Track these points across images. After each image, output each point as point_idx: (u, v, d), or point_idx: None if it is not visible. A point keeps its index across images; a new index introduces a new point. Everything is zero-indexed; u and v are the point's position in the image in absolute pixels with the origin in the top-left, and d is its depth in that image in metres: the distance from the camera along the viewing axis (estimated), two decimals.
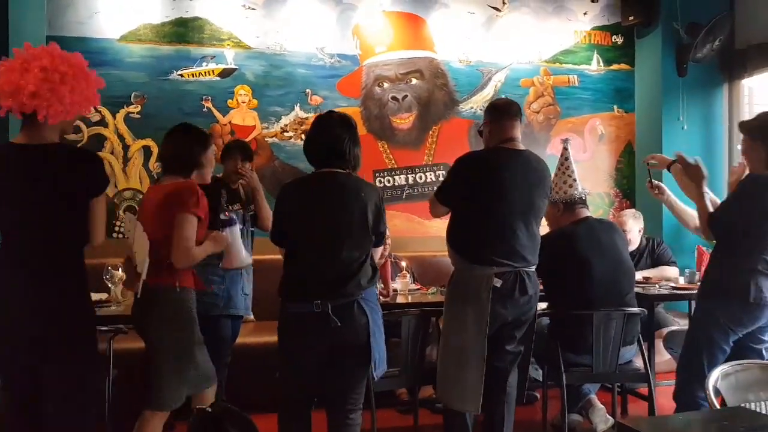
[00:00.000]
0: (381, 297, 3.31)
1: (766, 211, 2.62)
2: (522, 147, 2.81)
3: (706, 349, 2.65)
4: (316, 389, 2.36)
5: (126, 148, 4.35)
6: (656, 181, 3.34)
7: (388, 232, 4.03)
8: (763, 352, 2.72)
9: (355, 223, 2.31)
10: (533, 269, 2.81)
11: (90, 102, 2.21)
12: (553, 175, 3.09)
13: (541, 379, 3.17)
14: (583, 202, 3.16)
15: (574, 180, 3.15)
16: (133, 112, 4.36)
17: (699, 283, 3.03)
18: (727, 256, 2.70)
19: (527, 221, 2.74)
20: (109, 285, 3.23)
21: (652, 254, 4.27)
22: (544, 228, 2.98)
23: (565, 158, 3.19)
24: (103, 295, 3.26)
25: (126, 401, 2.75)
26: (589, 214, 3.20)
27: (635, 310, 2.99)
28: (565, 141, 3.24)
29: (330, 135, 2.36)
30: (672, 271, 4.09)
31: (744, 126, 2.83)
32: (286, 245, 2.42)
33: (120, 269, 3.10)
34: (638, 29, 5.15)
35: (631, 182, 5.23)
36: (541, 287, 2.97)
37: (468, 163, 2.78)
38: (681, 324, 4.23)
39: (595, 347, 2.94)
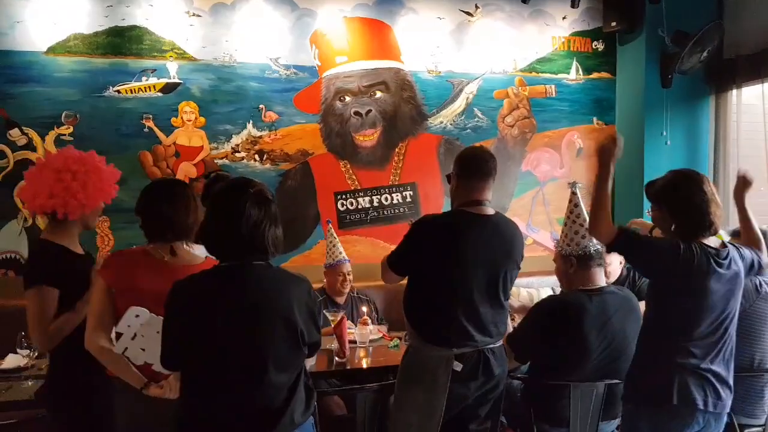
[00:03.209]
0: (337, 359, 2.98)
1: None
2: (490, 211, 2.46)
3: None
4: None
5: None
6: None
7: (349, 265, 3.75)
8: None
9: (281, 335, 1.75)
10: (499, 344, 2.49)
11: (105, 194, 2.42)
12: (562, 225, 2.79)
13: None
14: (599, 257, 2.75)
15: (585, 228, 2.72)
16: (65, 134, 3.91)
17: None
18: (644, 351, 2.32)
19: (493, 296, 2.41)
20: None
21: (633, 286, 3.97)
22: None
23: (574, 205, 2.77)
24: (20, 360, 2.88)
25: None
26: (604, 283, 2.75)
27: (618, 381, 2.67)
28: (573, 185, 2.82)
29: (241, 218, 1.73)
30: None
31: (647, 191, 2.49)
32: (184, 372, 1.77)
33: None
34: (621, 36, 4.80)
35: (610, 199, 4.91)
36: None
37: (426, 228, 2.43)
38: None
39: (572, 421, 2.64)
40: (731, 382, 2.27)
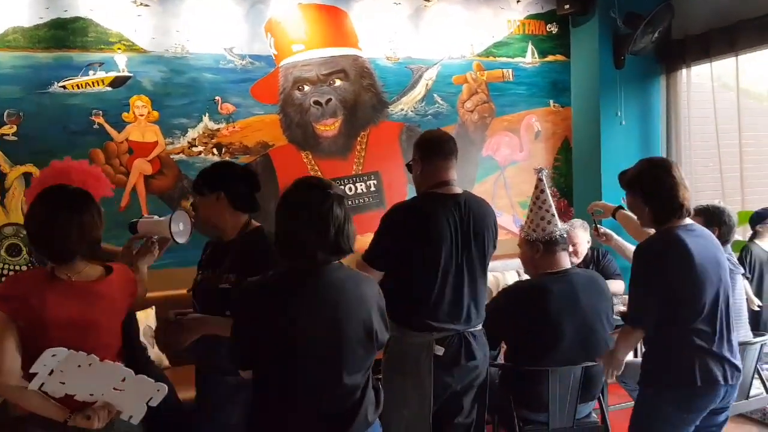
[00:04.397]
0: None
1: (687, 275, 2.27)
2: (459, 190, 2.45)
3: None
4: None
5: (2, 176, 3.68)
6: (603, 228, 3.14)
7: None
8: None
9: (359, 337, 1.73)
10: (479, 328, 2.49)
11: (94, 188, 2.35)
12: (527, 210, 2.81)
13: None
14: (564, 242, 2.81)
15: (553, 215, 2.78)
16: (8, 134, 3.68)
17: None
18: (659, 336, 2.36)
19: (472, 276, 2.42)
20: None
21: (597, 266, 4.06)
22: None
23: (540, 191, 2.81)
24: None
25: None
26: (569, 265, 2.81)
27: (594, 363, 2.71)
28: (540, 171, 2.85)
29: (330, 223, 1.69)
30: (617, 285, 3.90)
31: (621, 179, 2.55)
32: (256, 371, 1.75)
33: None
34: (574, 18, 4.85)
35: (569, 180, 5.01)
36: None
37: (396, 216, 2.41)
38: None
39: (551, 405, 2.68)
40: (737, 349, 2.35)
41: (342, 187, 4.37)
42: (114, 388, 1.85)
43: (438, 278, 2.36)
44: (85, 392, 1.84)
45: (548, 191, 2.84)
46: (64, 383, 1.82)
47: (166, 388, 1.91)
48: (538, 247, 2.76)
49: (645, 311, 2.30)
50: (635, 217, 2.99)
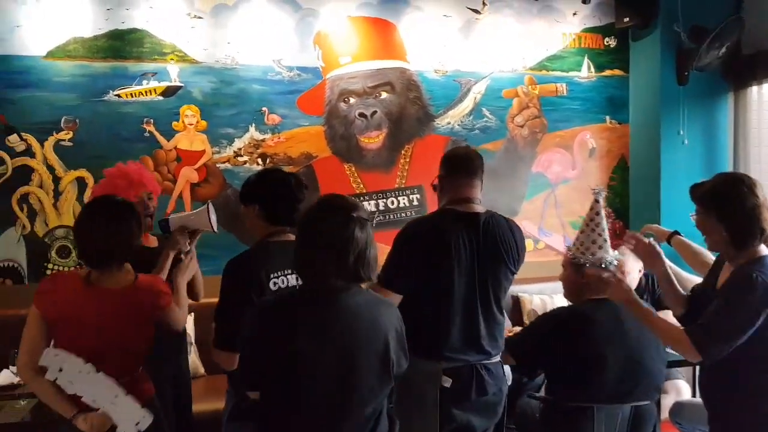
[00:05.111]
0: None
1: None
2: (481, 209, 2.31)
3: None
4: None
5: (57, 180, 3.85)
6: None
7: None
8: None
9: (373, 366, 1.63)
10: (496, 360, 2.32)
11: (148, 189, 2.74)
12: (578, 231, 2.58)
13: None
14: (615, 271, 2.50)
15: (605, 240, 2.54)
16: (64, 140, 3.85)
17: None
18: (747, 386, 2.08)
19: (487, 303, 2.26)
20: None
21: (652, 294, 3.80)
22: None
23: (596, 213, 2.56)
24: (14, 377, 2.80)
25: None
26: None
27: (646, 403, 2.49)
28: (597, 193, 2.58)
29: (349, 247, 1.60)
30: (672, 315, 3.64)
31: (694, 193, 2.28)
32: (264, 396, 1.67)
33: None
34: (634, 31, 4.64)
35: (624, 201, 4.76)
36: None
37: (409, 232, 2.28)
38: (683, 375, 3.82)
39: None
40: None
41: (384, 200, 4.33)
42: (111, 402, 1.88)
43: (448, 301, 2.21)
44: (89, 397, 1.88)
45: (604, 215, 2.63)
46: (72, 383, 1.89)
47: (152, 416, 1.93)
48: (583, 272, 2.53)
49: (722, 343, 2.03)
50: (693, 245, 2.78)
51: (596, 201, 2.58)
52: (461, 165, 2.32)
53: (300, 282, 1.90)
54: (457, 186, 2.30)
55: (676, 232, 2.89)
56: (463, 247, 2.20)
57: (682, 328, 2.11)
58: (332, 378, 1.60)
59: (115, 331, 2.02)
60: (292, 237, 1.99)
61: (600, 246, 2.52)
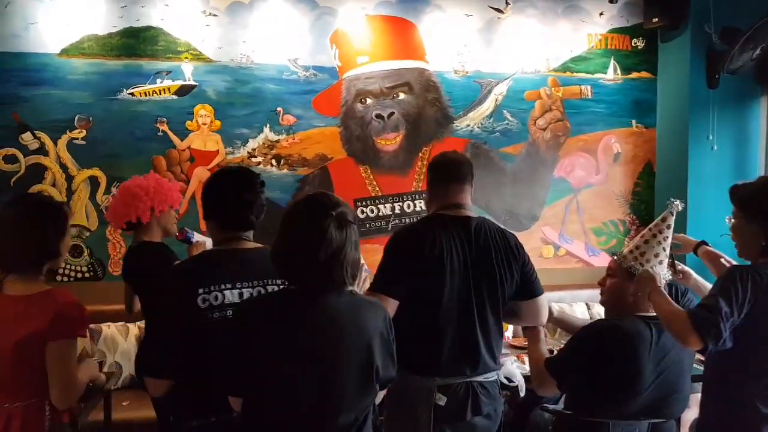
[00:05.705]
0: None
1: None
2: (472, 214, 2.20)
3: None
4: None
5: (70, 179, 3.81)
6: (681, 265, 2.72)
7: (367, 273, 3.54)
8: None
9: (354, 371, 1.54)
10: (493, 380, 2.20)
11: (171, 199, 2.72)
12: (639, 236, 2.37)
13: None
14: (667, 288, 2.32)
15: (667, 257, 2.36)
16: (77, 138, 3.81)
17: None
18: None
19: (482, 315, 2.13)
20: None
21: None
22: None
23: (667, 226, 2.34)
24: None
25: None
26: None
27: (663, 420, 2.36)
28: (673, 205, 2.35)
29: (321, 243, 1.51)
30: None
31: (735, 194, 2.11)
32: (246, 400, 1.57)
33: None
34: (663, 32, 4.47)
35: (650, 208, 4.60)
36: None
37: (397, 241, 2.17)
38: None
39: None
40: None
41: (400, 203, 4.23)
42: None
43: (439, 309, 2.09)
44: None
45: (672, 230, 2.47)
46: None
47: None
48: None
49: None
50: (721, 255, 2.63)
51: (670, 213, 2.40)
52: (450, 170, 2.21)
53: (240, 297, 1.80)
54: (445, 192, 2.20)
55: (704, 242, 2.75)
56: (454, 253, 2.09)
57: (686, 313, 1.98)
58: (310, 383, 1.51)
59: None
60: (248, 244, 1.88)
61: (660, 261, 2.34)
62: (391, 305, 2.03)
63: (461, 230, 2.13)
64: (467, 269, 2.10)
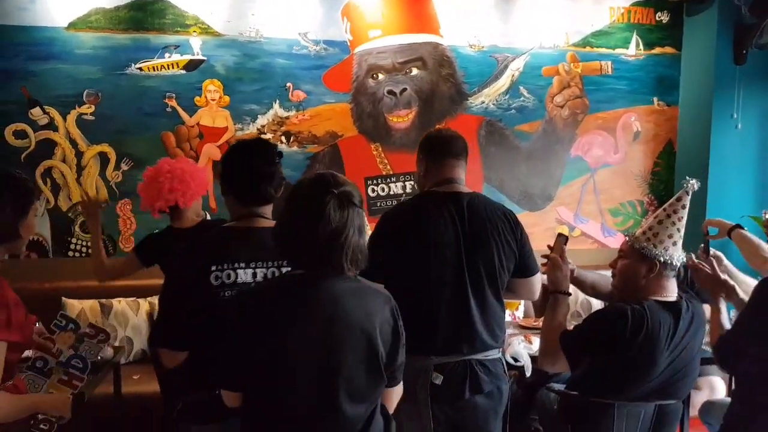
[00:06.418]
0: None
1: None
2: (465, 189, 2.14)
3: None
4: None
5: (79, 155, 3.80)
6: (713, 250, 2.61)
7: None
8: None
9: (358, 363, 1.49)
10: (494, 356, 2.15)
11: (205, 185, 2.89)
12: (653, 217, 2.29)
13: None
14: (676, 272, 2.29)
15: (681, 238, 2.27)
16: (86, 113, 3.78)
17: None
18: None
19: (480, 292, 2.08)
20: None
21: (692, 287, 3.57)
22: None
23: (682, 206, 2.27)
24: None
25: None
26: (676, 298, 2.28)
27: (672, 401, 2.32)
28: (689, 184, 2.28)
29: (319, 222, 1.45)
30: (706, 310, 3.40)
31: None
32: (246, 395, 1.54)
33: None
34: (688, 6, 4.28)
35: (669, 188, 4.47)
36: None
37: (389, 219, 2.14)
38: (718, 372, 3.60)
39: None
40: None
41: (412, 182, 4.15)
42: None
43: (434, 289, 2.05)
44: None
45: (686, 212, 2.38)
46: None
47: None
48: (653, 267, 2.22)
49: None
50: (755, 240, 2.57)
51: (686, 193, 2.30)
52: (444, 147, 2.16)
53: (255, 277, 1.78)
54: (438, 168, 2.15)
55: (738, 226, 2.66)
56: (443, 230, 2.04)
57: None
58: (316, 371, 1.46)
59: None
60: (264, 223, 1.84)
61: (675, 243, 2.25)
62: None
63: (452, 205, 2.08)
64: (459, 245, 2.05)
